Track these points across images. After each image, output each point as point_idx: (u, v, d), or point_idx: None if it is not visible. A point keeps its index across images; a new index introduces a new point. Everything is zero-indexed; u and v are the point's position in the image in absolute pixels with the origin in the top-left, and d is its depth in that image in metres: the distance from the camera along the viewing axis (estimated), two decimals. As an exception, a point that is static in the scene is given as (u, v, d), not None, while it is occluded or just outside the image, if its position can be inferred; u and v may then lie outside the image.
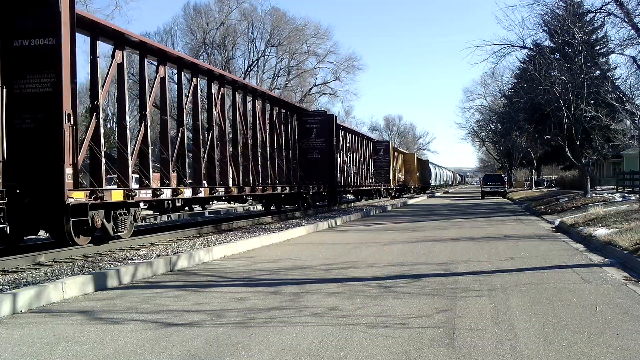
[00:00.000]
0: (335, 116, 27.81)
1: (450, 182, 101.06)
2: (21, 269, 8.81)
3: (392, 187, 40.63)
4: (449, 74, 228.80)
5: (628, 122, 24.62)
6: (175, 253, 10.01)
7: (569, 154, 26.52)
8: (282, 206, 22.78)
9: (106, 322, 5.62)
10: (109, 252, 10.77)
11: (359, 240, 13.22)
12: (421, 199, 41.87)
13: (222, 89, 17.03)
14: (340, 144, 27.31)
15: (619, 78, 26.97)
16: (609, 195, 24.14)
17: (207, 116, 16.52)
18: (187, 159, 14.76)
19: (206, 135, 16.01)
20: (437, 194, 55.10)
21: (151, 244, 12.18)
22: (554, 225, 16.10)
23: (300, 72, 56.76)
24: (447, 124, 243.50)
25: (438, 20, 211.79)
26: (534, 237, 13.14)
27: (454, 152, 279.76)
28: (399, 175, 45.52)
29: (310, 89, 58.61)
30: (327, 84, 59.51)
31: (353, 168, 30.88)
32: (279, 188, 19.89)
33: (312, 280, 7.78)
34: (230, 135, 17.92)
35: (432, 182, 68.93)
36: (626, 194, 23.95)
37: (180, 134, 14.36)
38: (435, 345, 4.62)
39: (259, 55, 54.45)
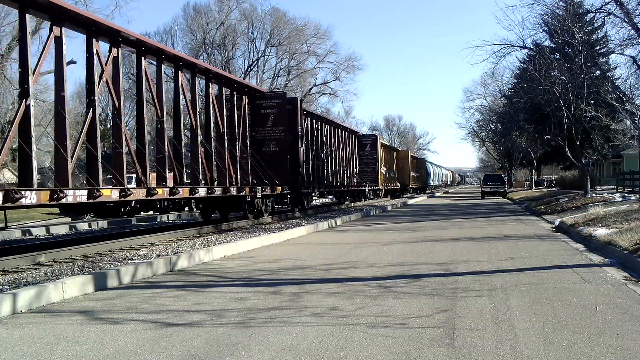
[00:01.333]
0: (301, 99, 22.81)
1: (449, 182, 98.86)
2: (21, 269, 8.81)
3: (379, 187, 36.38)
4: (449, 74, 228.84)
5: (628, 122, 24.64)
6: (175, 253, 10.01)
7: (569, 154, 26.53)
8: (232, 213, 18.54)
9: (106, 322, 5.62)
10: (109, 252, 10.77)
11: (359, 240, 13.22)
12: (421, 199, 41.86)
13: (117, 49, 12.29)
14: (311, 135, 23.24)
15: (619, 78, 27.00)
16: (609, 195, 24.14)
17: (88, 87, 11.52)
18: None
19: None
20: (437, 194, 55.09)
21: (151, 243, 12.18)
22: (554, 225, 16.10)
23: (300, 72, 56.81)
24: (447, 124, 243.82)
25: (438, 20, 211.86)
26: (534, 237, 13.14)
27: (454, 152, 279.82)
28: (391, 174, 41.79)
29: (310, 89, 58.64)
30: (327, 84, 59.62)
31: (331, 165, 26.57)
32: (218, 190, 15.16)
33: (312, 280, 7.78)
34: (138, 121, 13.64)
35: (430, 182, 65.72)
36: (626, 194, 23.95)
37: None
38: (435, 345, 4.62)
39: (259, 55, 54.53)
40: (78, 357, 4.51)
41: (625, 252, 9.03)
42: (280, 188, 19.09)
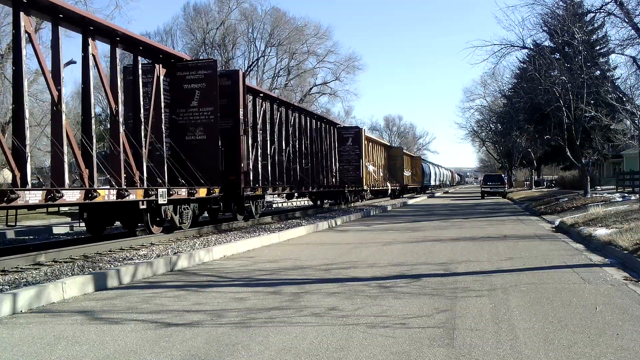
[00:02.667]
0: (244, 73, 17.77)
1: (448, 182, 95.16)
2: (21, 269, 8.81)
3: (364, 188, 31.31)
4: (449, 74, 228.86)
5: (628, 122, 24.62)
6: (175, 253, 10.01)
7: (569, 154, 26.52)
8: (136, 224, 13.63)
9: (106, 322, 5.62)
10: (109, 252, 10.77)
11: (359, 240, 13.22)
12: (421, 199, 41.85)
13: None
14: (267, 122, 19.06)
15: (619, 78, 27.00)
16: (609, 195, 24.14)
17: None
18: None
19: None
20: (437, 194, 55.09)
21: (151, 243, 12.17)
22: (554, 225, 16.10)
23: (300, 72, 56.81)
24: (447, 124, 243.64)
25: (438, 20, 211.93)
26: (534, 237, 13.14)
27: (454, 152, 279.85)
28: (381, 174, 37.44)
29: (310, 89, 58.64)
30: (327, 84, 59.59)
31: (300, 162, 22.37)
32: (105, 193, 10.95)
33: (312, 280, 7.78)
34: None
35: (427, 182, 61.63)
36: (626, 194, 23.95)
37: None
38: (435, 345, 4.62)
39: (259, 55, 54.51)
40: (78, 357, 4.51)
41: (625, 252, 9.03)
42: (205, 190, 14.04)
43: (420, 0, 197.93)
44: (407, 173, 46.92)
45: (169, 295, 6.90)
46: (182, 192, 13.30)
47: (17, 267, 8.89)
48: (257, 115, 18.48)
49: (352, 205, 30.21)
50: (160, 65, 13.84)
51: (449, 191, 72.43)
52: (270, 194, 19.71)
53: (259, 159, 18.23)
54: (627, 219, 13.13)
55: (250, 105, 18.29)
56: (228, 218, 17.94)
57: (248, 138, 16.76)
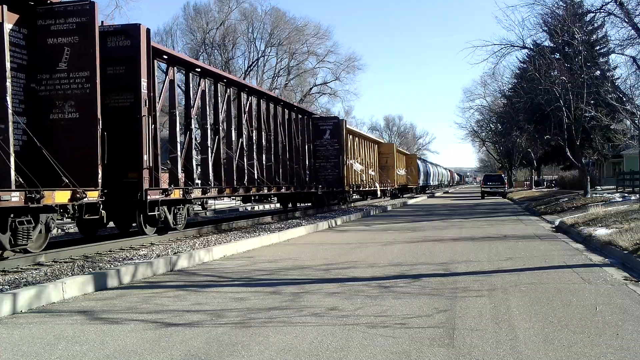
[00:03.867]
0: (148, 29, 11.92)
1: (446, 182, 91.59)
2: (21, 269, 8.80)
3: (345, 189, 26.57)
4: (449, 74, 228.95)
5: (628, 122, 24.64)
6: (175, 253, 10.01)
7: (569, 154, 26.53)
8: None
9: (106, 322, 5.62)
10: (109, 252, 10.76)
11: (359, 240, 13.22)
12: (421, 199, 41.85)
13: None
14: (202, 103, 15.55)
15: (619, 78, 27.03)
16: (609, 195, 24.13)
17: None
18: None
19: None
20: (437, 194, 55.09)
21: (151, 243, 12.17)
22: (554, 225, 16.10)
23: (300, 72, 56.81)
24: (447, 124, 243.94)
25: (438, 20, 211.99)
26: (534, 237, 13.14)
27: (454, 152, 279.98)
28: (371, 172, 33.49)
29: (310, 89, 58.65)
30: (327, 84, 59.61)
31: (259, 157, 18.42)
32: None
33: (312, 280, 7.78)
34: None
35: (423, 182, 57.48)
36: (626, 194, 23.95)
37: None
38: (435, 345, 4.62)
39: (259, 55, 54.51)
40: (78, 357, 4.51)
41: (625, 252, 9.03)
42: (67, 193, 9.54)
43: (420, 0, 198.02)
44: (400, 172, 43.54)
45: (169, 295, 6.90)
46: (16, 197, 8.45)
47: (17, 267, 8.88)
48: (193, 96, 14.80)
49: (352, 205, 29.98)
50: (6, 6, 9.26)
51: (449, 191, 72.43)
52: (202, 198, 15.13)
53: (193, 152, 14.65)
54: (627, 219, 13.12)
55: (180, 80, 15.12)
56: (133, 232, 13.12)
57: (154, 121, 12.17)
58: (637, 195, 21.56)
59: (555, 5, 22.77)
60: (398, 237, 13.64)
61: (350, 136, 28.80)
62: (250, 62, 54.29)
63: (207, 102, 15.89)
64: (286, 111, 21.68)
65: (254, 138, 18.37)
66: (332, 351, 4.51)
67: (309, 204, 24.96)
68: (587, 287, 6.86)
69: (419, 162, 55.78)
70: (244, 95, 17.87)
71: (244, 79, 46.27)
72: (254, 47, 54.52)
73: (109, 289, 7.32)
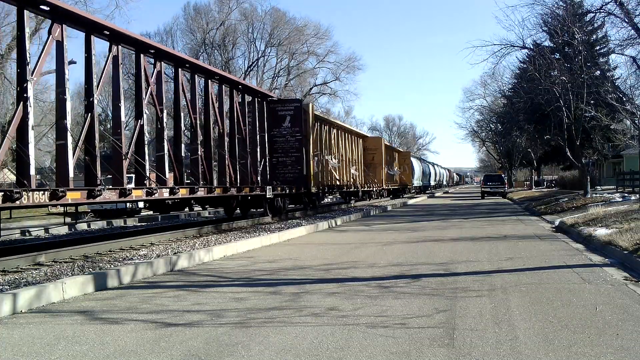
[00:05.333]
0: None
1: (445, 182, 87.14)
2: (21, 269, 8.81)
3: (311, 190, 21.22)
4: (449, 74, 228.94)
5: (628, 122, 24.64)
6: (175, 253, 10.01)
7: (569, 154, 26.53)
8: None
9: (106, 322, 5.62)
10: (109, 252, 10.77)
11: (359, 240, 13.22)
12: (421, 199, 41.85)
13: None
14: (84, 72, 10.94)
15: (619, 78, 27.06)
16: (609, 195, 24.13)
17: None
18: None
19: None
20: (437, 194, 55.10)
21: (151, 244, 12.17)
22: (554, 225, 16.10)
23: (300, 72, 56.80)
24: (447, 124, 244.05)
25: (438, 20, 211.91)
26: (534, 237, 13.13)
27: (454, 152, 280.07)
28: (352, 171, 28.89)
29: (310, 89, 58.65)
30: (327, 84, 59.60)
31: (172, 149, 13.72)
32: None
33: (312, 280, 7.78)
34: None
35: (417, 182, 52.12)
36: (626, 194, 23.95)
37: None
38: (435, 345, 4.62)
39: (259, 56, 54.49)
40: (78, 357, 4.51)
41: (625, 252, 9.03)
42: None
43: (420, 0, 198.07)
44: (391, 171, 39.15)
45: (169, 295, 6.90)
46: None
47: (17, 267, 8.89)
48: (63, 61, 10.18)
49: (352, 205, 29.78)
50: None
51: (449, 191, 72.39)
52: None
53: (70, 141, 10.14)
54: (627, 219, 13.12)
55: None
56: None
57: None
58: (637, 195, 21.56)
59: (555, 5, 22.77)
60: (398, 237, 13.64)
61: (320, 125, 23.21)
62: (250, 62, 54.32)
63: (99, 71, 11.45)
64: (225, 88, 16.79)
65: (164, 121, 13.73)
66: (332, 351, 4.51)
67: (261, 210, 19.12)
68: (587, 287, 6.86)
69: (413, 160, 50.82)
70: (144, 60, 12.81)
71: (244, 79, 46.23)
72: (254, 47, 54.57)
73: (109, 289, 7.32)
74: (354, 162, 29.61)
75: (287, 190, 19.60)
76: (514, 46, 23.99)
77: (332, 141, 25.35)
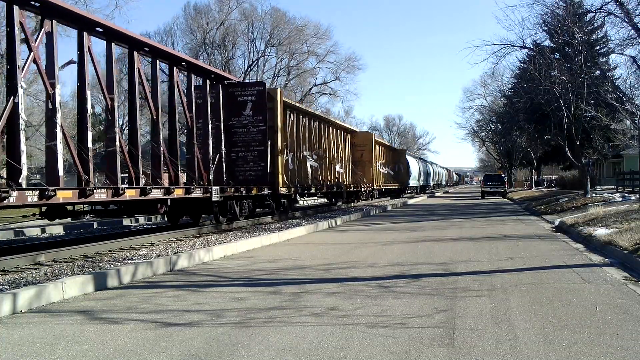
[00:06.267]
0: None
1: (443, 183, 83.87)
2: (21, 268, 8.81)
3: (280, 191, 18.30)
4: (449, 74, 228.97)
5: (628, 122, 24.63)
6: (175, 253, 10.01)
7: (569, 154, 26.53)
8: None
9: (106, 322, 5.62)
10: (109, 252, 10.77)
11: (359, 240, 13.22)
12: (421, 199, 41.84)
13: None
14: None
15: (619, 78, 27.05)
16: (609, 195, 24.13)
17: None
18: None
19: None
20: (437, 194, 55.08)
21: (151, 243, 12.17)
22: (554, 225, 16.10)
23: (300, 72, 56.85)
24: (447, 124, 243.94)
25: (438, 20, 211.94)
26: (534, 237, 13.13)
27: (454, 152, 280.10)
28: (338, 169, 26.29)
29: (310, 89, 58.69)
30: (327, 84, 59.67)
31: (80, 138, 11.15)
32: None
33: (312, 280, 7.78)
34: None
35: (414, 182, 48.58)
36: (626, 194, 23.95)
37: None
38: (435, 345, 4.62)
39: (259, 55, 54.54)
40: (78, 357, 4.51)
41: (625, 252, 9.03)
42: None
43: (420, 0, 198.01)
44: (382, 169, 36.03)
45: (168, 295, 6.90)
46: None
47: (17, 267, 8.89)
48: None
49: (353, 205, 29.54)
50: None
51: (449, 191, 72.37)
52: None
53: None
54: (627, 219, 13.12)
55: None
56: None
57: None
58: (637, 195, 21.56)
59: (555, 5, 22.79)
60: (398, 237, 13.64)
61: (297, 115, 20.37)
62: (250, 62, 54.37)
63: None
64: (160, 64, 13.87)
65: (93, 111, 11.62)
66: (332, 351, 4.51)
67: (229, 216, 16.26)
68: (587, 287, 6.86)
69: (409, 158, 47.17)
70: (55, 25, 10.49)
71: (244, 79, 46.22)
72: (254, 47, 54.62)
73: (109, 288, 7.32)
74: (339, 160, 26.89)
75: (245, 192, 16.13)
76: (514, 46, 24.02)
77: (312, 135, 22.55)
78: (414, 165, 49.16)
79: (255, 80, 22.39)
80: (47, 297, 6.44)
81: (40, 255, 9.69)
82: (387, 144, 46.29)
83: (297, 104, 23.51)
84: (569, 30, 21.50)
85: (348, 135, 29.48)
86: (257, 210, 18.67)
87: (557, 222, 16.20)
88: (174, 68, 14.11)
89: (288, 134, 19.45)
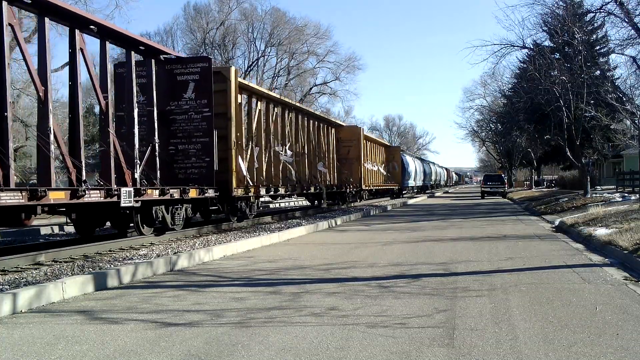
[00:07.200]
0: None
1: (442, 183, 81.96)
2: (21, 268, 8.81)
3: (233, 192, 14.89)
4: (449, 74, 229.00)
5: (628, 122, 24.64)
6: (175, 253, 10.01)
7: (569, 154, 26.54)
8: None
9: (106, 322, 5.62)
10: (109, 252, 10.76)
11: (359, 240, 13.21)
12: (421, 199, 41.82)
13: None
14: None
15: (619, 78, 27.06)
16: (609, 195, 24.14)
17: None
18: None
19: None
20: (437, 194, 55.08)
21: (151, 243, 12.17)
22: (554, 225, 16.10)
23: (300, 72, 56.83)
24: (447, 124, 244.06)
25: (438, 20, 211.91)
26: (534, 237, 13.14)
27: (454, 152, 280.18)
28: (320, 168, 23.67)
29: (310, 89, 58.66)
30: (327, 84, 59.62)
31: None
32: None
33: (312, 280, 7.78)
34: None
35: (410, 183, 46.42)
36: (626, 194, 23.95)
37: None
38: (435, 345, 4.62)
39: (259, 55, 54.52)
40: (78, 357, 4.51)
41: (625, 252, 9.03)
42: None
43: (420, 0, 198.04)
44: (372, 167, 32.71)
45: (168, 295, 6.90)
46: None
47: (17, 267, 8.89)
48: None
49: (352, 205, 29.38)
50: None
51: (449, 191, 72.35)
52: None
53: None
54: (627, 219, 13.13)
55: None
56: None
57: None
58: (637, 195, 21.56)
59: (555, 5, 22.79)
60: (398, 237, 13.64)
61: (260, 101, 17.57)
62: (250, 62, 54.34)
63: None
64: (59, 26, 11.80)
65: None
66: (332, 351, 4.51)
67: (157, 225, 12.82)
68: (587, 287, 6.86)
69: (404, 157, 44.34)
70: None
71: (244, 78, 46.15)
72: (254, 47, 54.59)
73: (109, 288, 7.32)
74: (322, 156, 24.32)
75: (178, 194, 12.53)
76: (514, 46, 24.03)
77: (288, 127, 19.88)
78: (412, 165, 47.25)
79: (199, 55, 16.14)
80: (47, 297, 6.44)
81: (40, 255, 9.69)
82: (379, 140, 41.86)
83: (267, 91, 20.18)
84: (569, 30, 21.51)
85: (333, 129, 26.75)
86: (212, 216, 16.19)
87: (557, 222, 16.20)
88: (76, 31, 10.72)
89: (254, 125, 16.95)
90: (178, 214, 13.16)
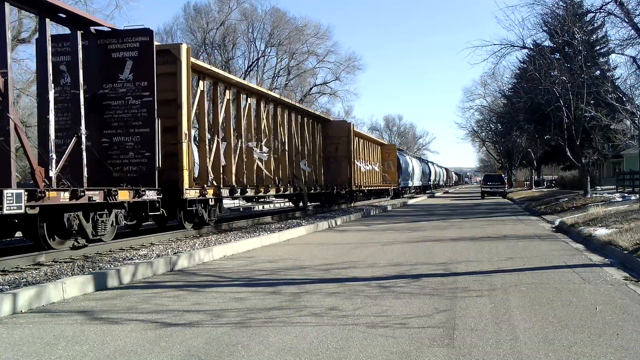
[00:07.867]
0: None
1: (442, 183, 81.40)
2: (21, 269, 8.81)
3: (185, 193, 12.52)
4: (449, 74, 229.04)
5: (628, 122, 24.64)
6: (175, 253, 10.00)
7: (569, 154, 26.53)
8: None
9: (106, 322, 5.62)
10: (109, 252, 10.76)
11: (359, 240, 13.21)
12: (421, 199, 41.82)
13: None
14: None
15: (619, 78, 27.05)
16: (609, 195, 24.13)
17: None
18: None
19: None
20: (437, 194, 55.10)
21: (151, 244, 12.17)
22: (554, 225, 16.10)
23: (300, 72, 56.84)
24: (447, 124, 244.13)
25: (438, 20, 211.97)
26: (534, 237, 13.13)
27: (454, 152, 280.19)
28: (302, 167, 22.00)
29: (310, 89, 58.67)
30: (327, 84, 59.64)
31: None
32: None
33: (312, 280, 7.78)
34: None
35: (408, 183, 45.10)
36: (626, 194, 23.94)
37: None
38: (435, 345, 4.62)
39: (259, 55, 54.52)
40: (78, 357, 4.51)
41: (625, 252, 9.03)
42: None
43: (420, 0, 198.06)
44: (365, 166, 30.70)
45: (169, 295, 6.90)
46: None
47: (17, 267, 8.89)
48: None
49: (352, 205, 29.24)
50: None
51: (449, 191, 72.35)
52: None
53: None
54: (627, 219, 13.12)
55: None
56: None
57: None
58: (637, 195, 21.56)
59: (555, 5, 22.78)
60: (398, 237, 13.63)
61: (228, 90, 15.81)
62: (250, 62, 54.35)
63: None
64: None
65: None
66: (332, 351, 4.51)
67: (75, 237, 10.58)
68: (587, 287, 6.86)
69: (400, 155, 42.13)
70: None
71: (244, 78, 46.11)
72: (254, 47, 54.60)
73: (109, 289, 7.32)
74: (306, 154, 22.49)
75: (100, 198, 10.14)
76: (514, 46, 24.01)
77: (262, 121, 17.93)
78: (410, 164, 45.64)
79: (137, 28, 11.84)
80: (47, 297, 6.44)
81: (41, 255, 9.69)
82: (373, 137, 38.81)
83: (237, 78, 17.80)
84: (569, 30, 21.50)
85: (319, 124, 24.54)
86: (168, 223, 13.86)
87: (557, 222, 16.20)
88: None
89: (221, 117, 15.04)
90: (103, 221, 10.55)
